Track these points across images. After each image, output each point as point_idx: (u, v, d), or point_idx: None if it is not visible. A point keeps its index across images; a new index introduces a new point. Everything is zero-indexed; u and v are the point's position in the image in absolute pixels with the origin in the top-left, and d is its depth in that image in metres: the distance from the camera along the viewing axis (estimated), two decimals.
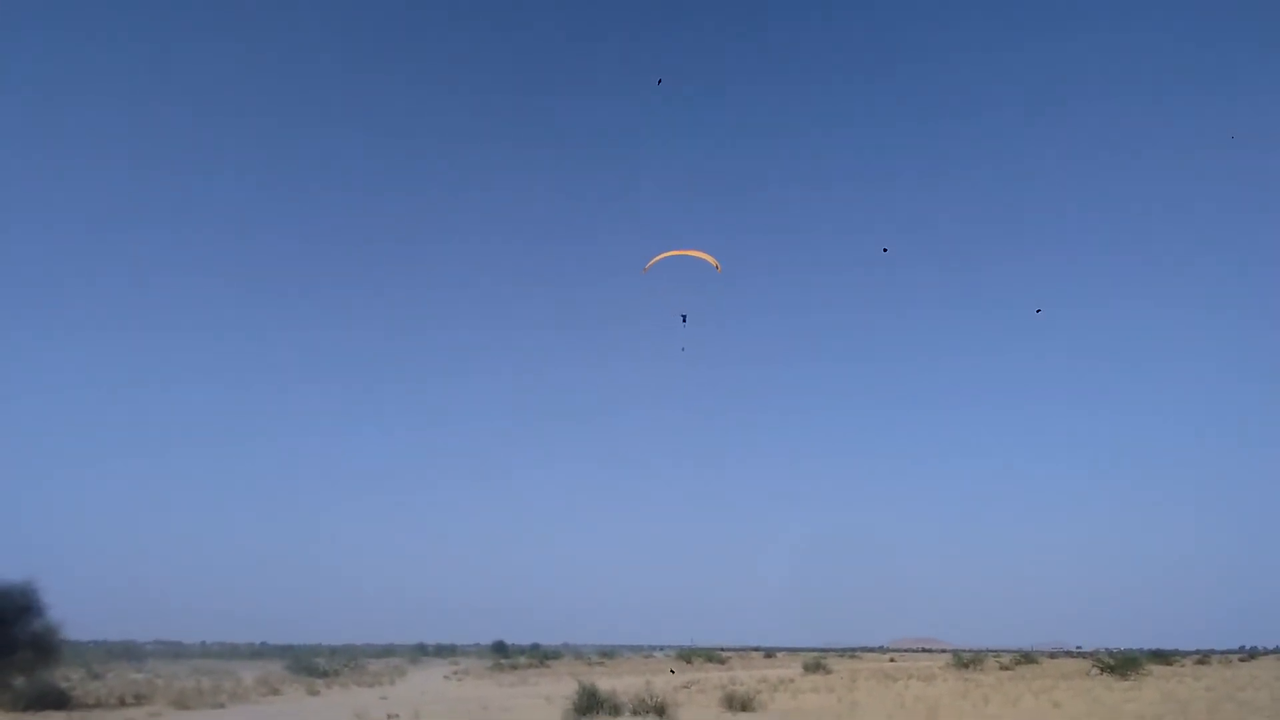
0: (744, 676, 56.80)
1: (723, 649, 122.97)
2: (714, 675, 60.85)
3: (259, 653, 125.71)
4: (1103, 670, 54.15)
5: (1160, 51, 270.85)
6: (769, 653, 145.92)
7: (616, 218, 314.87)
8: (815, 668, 66.22)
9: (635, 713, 26.66)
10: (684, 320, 34.30)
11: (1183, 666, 71.57)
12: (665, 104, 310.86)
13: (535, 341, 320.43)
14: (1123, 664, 54.15)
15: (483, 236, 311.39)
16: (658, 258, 35.07)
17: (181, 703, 33.89)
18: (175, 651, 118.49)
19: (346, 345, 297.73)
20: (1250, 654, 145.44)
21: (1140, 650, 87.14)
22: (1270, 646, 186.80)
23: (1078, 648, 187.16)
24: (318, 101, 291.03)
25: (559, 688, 41.62)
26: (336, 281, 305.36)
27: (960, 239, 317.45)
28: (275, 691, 42.99)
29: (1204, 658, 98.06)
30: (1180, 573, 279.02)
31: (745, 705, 29.69)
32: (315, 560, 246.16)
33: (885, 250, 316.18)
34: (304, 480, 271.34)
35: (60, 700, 32.12)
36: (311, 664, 61.79)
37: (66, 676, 41.19)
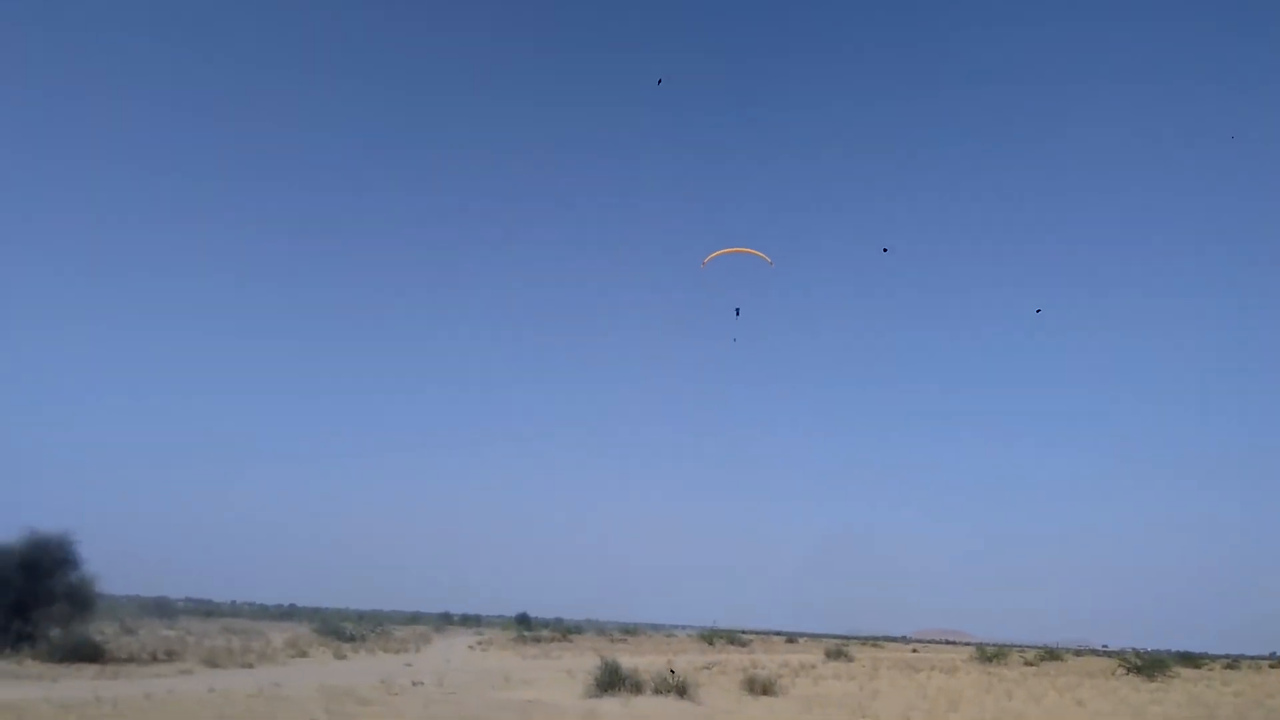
0: (765, 660, 56.85)
1: (745, 632, 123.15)
2: (735, 657, 60.96)
3: (288, 614, 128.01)
4: (1129, 670, 53.60)
5: (1160, 51, 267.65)
6: (791, 637, 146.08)
7: (654, 216, 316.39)
8: (837, 655, 66.10)
9: (657, 691, 26.74)
10: (737, 313, 34.83)
11: (1211, 670, 70.66)
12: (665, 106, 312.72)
13: (570, 321, 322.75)
14: (1149, 665, 53.55)
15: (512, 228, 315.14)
16: (715, 254, 35.67)
17: (211, 660, 34.48)
18: (207, 610, 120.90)
19: (387, 319, 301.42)
20: None
21: (1168, 652, 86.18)
22: None
23: (1104, 646, 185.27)
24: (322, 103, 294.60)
25: (581, 662, 41.91)
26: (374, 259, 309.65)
27: (989, 234, 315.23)
28: (303, 653, 43.66)
29: (1233, 662, 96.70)
30: (1212, 575, 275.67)
31: (766, 689, 29.66)
32: (346, 527, 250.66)
33: (885, 250, 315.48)
34: (340, 449, 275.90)
35: (94, 653, 32.75)
36: (339, 628, 62.71)
37: (100, 630, 42.06)
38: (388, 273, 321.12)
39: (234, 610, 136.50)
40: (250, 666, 34.34)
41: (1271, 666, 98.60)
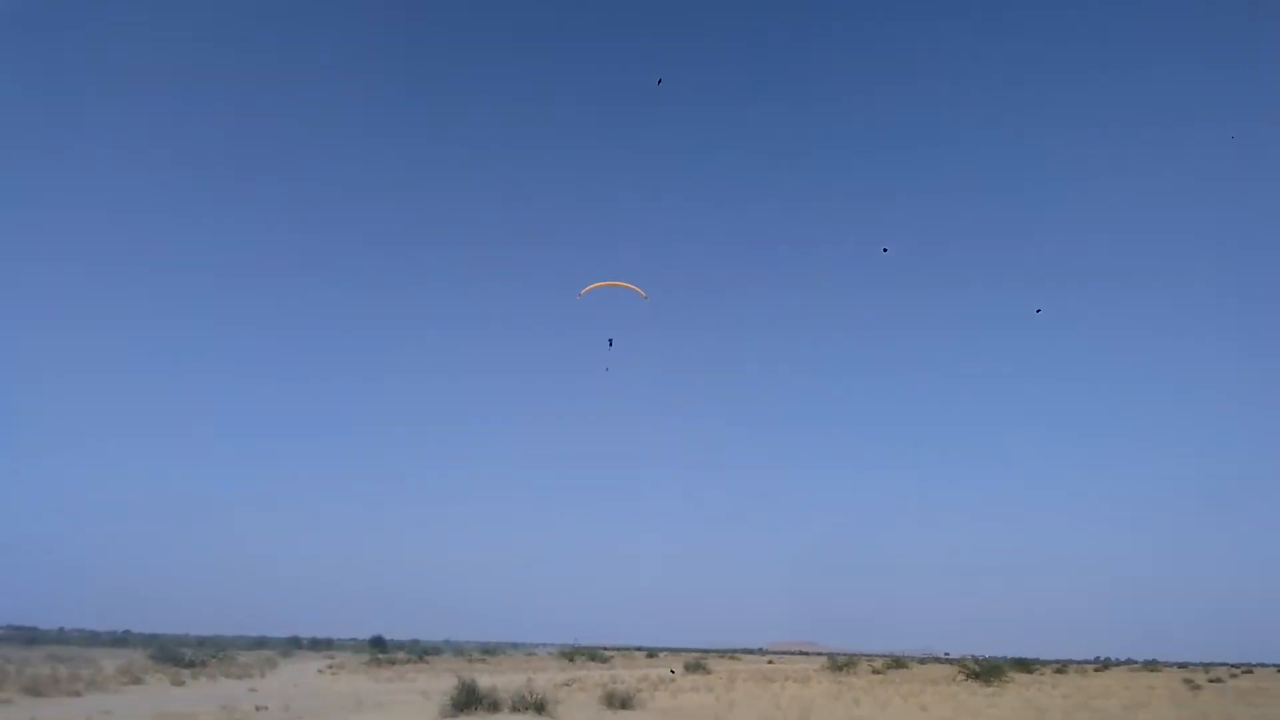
0: (625, 675, 57.03)
1: (606, 648, 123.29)
2: (596, 674, 60.93)
3: (121, 641, 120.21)
4: (968, 676, 56.31)
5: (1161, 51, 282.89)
6: (651, 652, 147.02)
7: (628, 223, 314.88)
8: (696, 668, 67.02)
9: (515, 709, 26.47)
10: (610, 344, 36.36)
11: (1042, 675, 75.03)
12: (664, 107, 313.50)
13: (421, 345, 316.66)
14: (987, 671, 56.39)
15: (490, 238, 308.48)
16: (590, 287, 36.67)
17: (34, 689, 32.07)
18: (29, 637, 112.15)
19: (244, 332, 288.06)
20: (1104, 664, 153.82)
21: (1004, 658, 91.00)
22: (1121, 658, 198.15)
23: (946, 654, 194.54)
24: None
25: (438, 684, 41.00)
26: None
27: (971, 244, 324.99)
28: (137, 680, 41.12)
29: (1062, 667, 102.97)
30: (1041, 584, 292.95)
31: (625, 703, 29.81)
32: (182, 547, 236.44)
33: (885, 250, 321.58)
34: (176, 465, 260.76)
35: None
36: (177, 654, 59.29)
37: None
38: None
39: (61, 637, 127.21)
40: (78, 695, 32.14)
41: (1096, 670, 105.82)
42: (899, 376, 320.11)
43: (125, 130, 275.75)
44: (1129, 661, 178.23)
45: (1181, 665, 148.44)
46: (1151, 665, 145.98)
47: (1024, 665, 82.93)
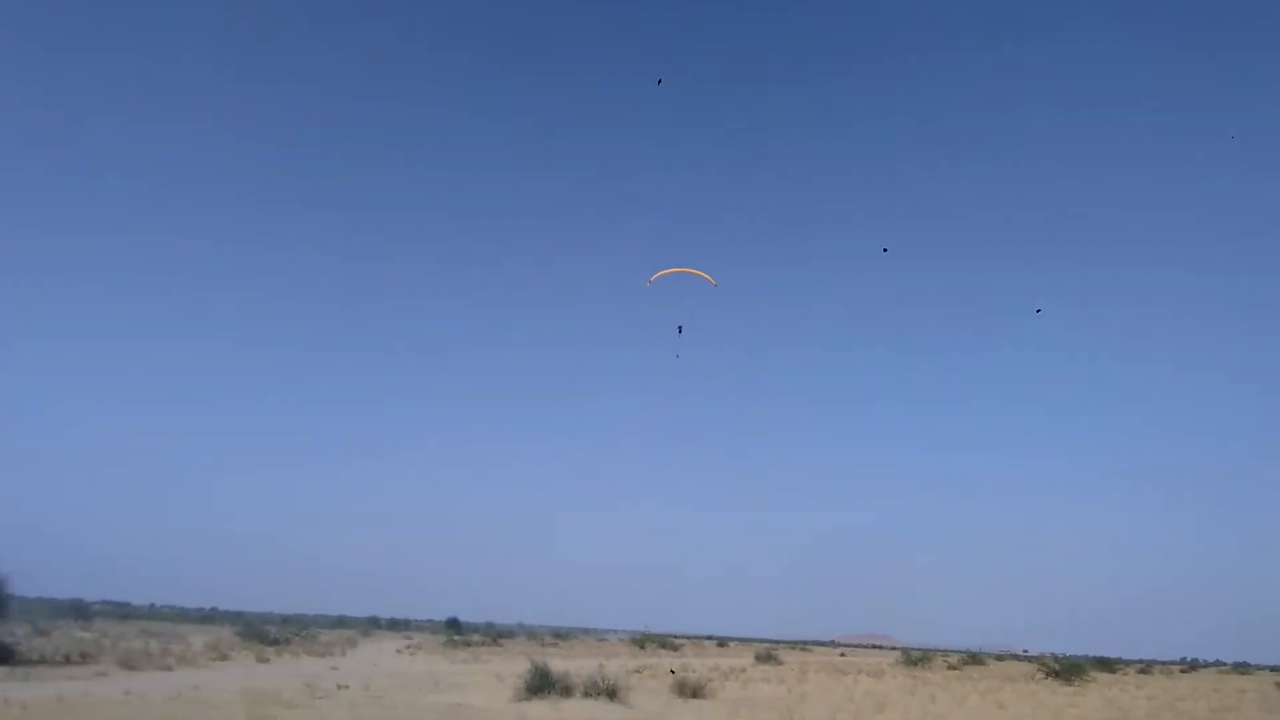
0: (696, 664, 57.12)
1: (676, 636, 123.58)
2: (667, 661, 61.14)
3: (209, 618, 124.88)
4: (1048, 674, 54.97)
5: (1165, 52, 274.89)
6: (722, 642, 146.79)
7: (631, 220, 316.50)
8: (767, 658, 66.74)
9: (587, 694, 26.69)
10: (680, 331, 35.96)
11: (1126, 675, 72.90)
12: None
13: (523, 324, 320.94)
14: (1067, 669, 54.99)
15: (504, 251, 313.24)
16: (660, 273, 36.44)
17: (128, 663, 33.48)
18: (123, 612, 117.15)
19: (307, 318, 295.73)
20: (1191, 666, 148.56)
21: (1085, 657, 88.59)
22: (1210, 660, 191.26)
23: (1025, 651, 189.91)
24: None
25: (511, 666, 41.62)
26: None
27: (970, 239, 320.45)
28: (224, 657, 42.63)
29: (1146, 667, 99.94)
30: (1129, 583, 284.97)
31: (696, 692, 29.83)
32: (270, 529, 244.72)
33: (885, 250, 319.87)
34: (266, 450, 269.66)
35: (4, 655, 31.62)
36: (262, 631, 61.32)
37: (11, 631, 40.52)
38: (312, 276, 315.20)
39: (152, 613, 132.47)
40: (169, 669, 33.44)
41: (1182, 671, 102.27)
42: (988, 361, 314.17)
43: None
44: (1218, 663, 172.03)
45: (1274, 668, 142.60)
46: (1242, 668, 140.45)
47: (1106, 664, 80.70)
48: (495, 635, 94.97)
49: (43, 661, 32.93)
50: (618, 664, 50.90)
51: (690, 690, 29.90)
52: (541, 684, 26.91)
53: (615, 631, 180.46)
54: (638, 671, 43.48)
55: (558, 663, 36.88)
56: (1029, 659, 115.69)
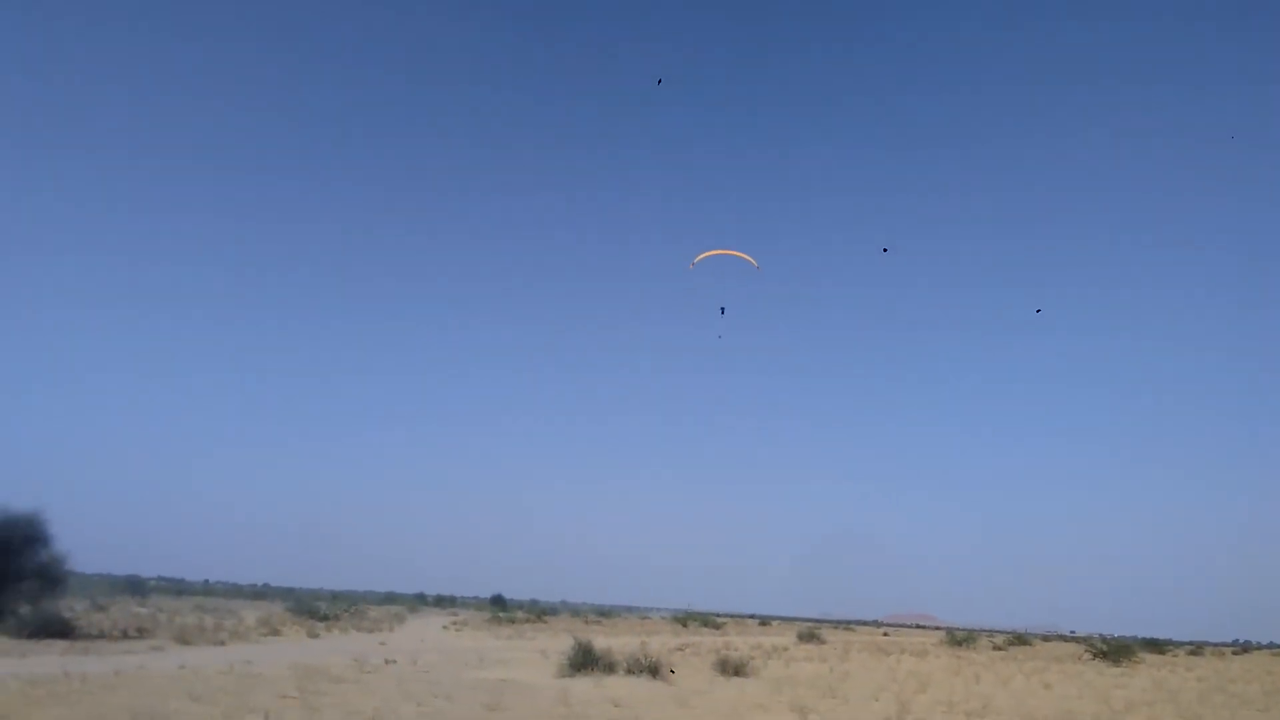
0: (738, 642, 57.21)
1: (719, 615, 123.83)
2: (709, 640, 61.32)
3: (261, 594, 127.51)
4: (1095, 655, 54.34)
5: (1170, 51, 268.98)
6: (764, 621, 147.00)
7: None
8: (809, 637, 66.67)
9: (629, 671, 26.84)
10: (723, 312, 35.51)
11: (1175, 657, 71.84)
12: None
13: (555, 306, 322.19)
14: (1115, 650, 54.31)
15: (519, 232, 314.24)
16: (702, 255, 36.09)
17: (183, 638, 34.29)
18: (178, 589, 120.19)
19: (363, 301, 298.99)
20: (1244, 648, 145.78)
21: (1134, 638, 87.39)
22: (1264, 641, 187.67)
23: (1071, 632, 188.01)
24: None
25: (555, 643, 41.99)
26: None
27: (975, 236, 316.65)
28: (275, 632, 43.50)
29: (1197, 649, 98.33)
30: (1178, 563, 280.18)
31: (738, 670, 29.87)
32: (321, 508, 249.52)
33: (885, 250, 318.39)
34: (315, 430, 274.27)
35: (64, 629, 32.55)
36: (312, 607, 62.56)
37: (70, 607, 41.77)
38: (372, 260, 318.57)
39: (206, 589, 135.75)
40: (222, 644, 34.18)
41: (1235, 653, 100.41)
42: (1033, 347, 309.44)
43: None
44: (1271, 645, 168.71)
45: None
46: None
47: (1155, 646, 79.63)
48: (539, 612, 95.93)
49: (101, 636, 33.82)
50: (660, 642, 51.16)
51: (732, 668, 29.94)
52: (585, 661, 27.13)
53: (658, 610, 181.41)
54: (680, 649, 43.65)
55: (600, 640, 37.17)
56: (1076, 640, 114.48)
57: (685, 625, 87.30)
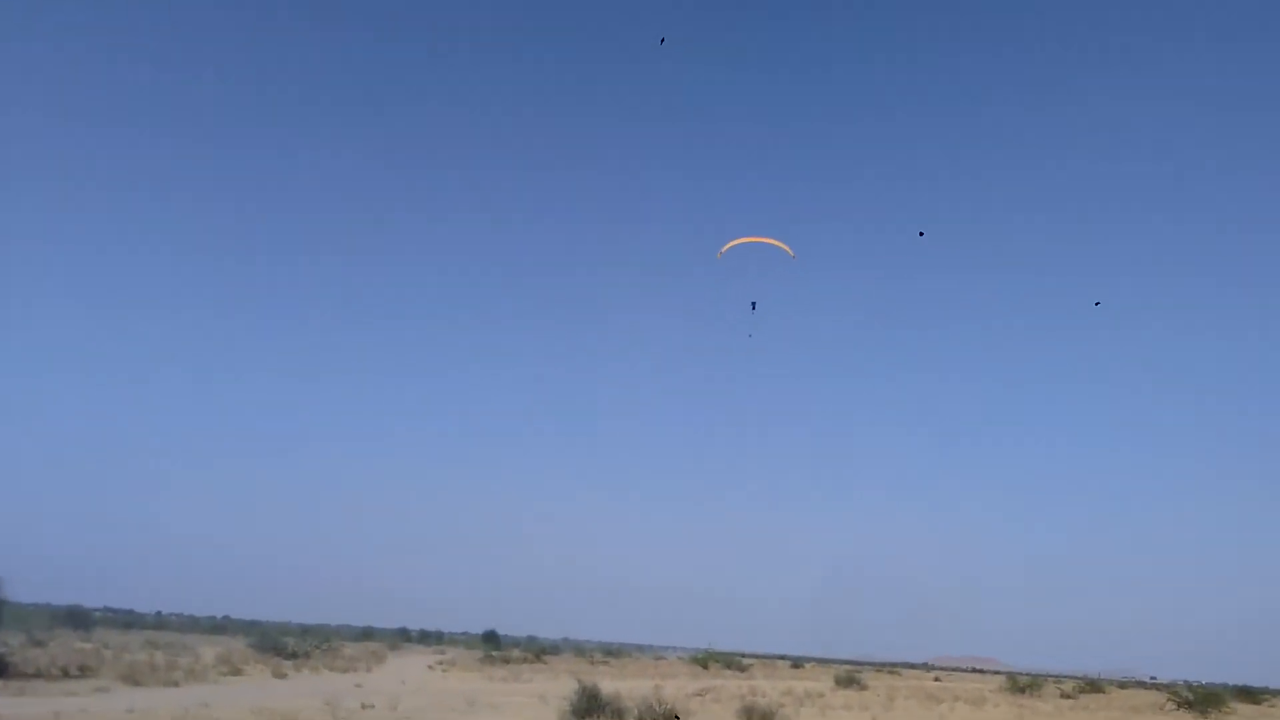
0: (766, 687, 57.01)
1: (744, 655, 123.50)
2: (732, 684, 61.13)
3: (220, 628, 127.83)
4: (1180, 705, 53.96)
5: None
6: (797, 662, 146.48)
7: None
8: (849, 682, 66.41)
9: (641, 719, 26.79)
10: (754, 307, 35.40)
11: (1273, 706, 71.27)
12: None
13: (552, 332, 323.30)
14: (1203, 699, 53.89)
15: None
16: (731, 243, 35.97)
17: (132, 677, 34.40)
18: (127, 621, 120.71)
19: (341, 310, 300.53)
20: None
21: (1224, 685, 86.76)
22: None
23: (1152, 678, 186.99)
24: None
25: (556, 686, 41.92)
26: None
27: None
28: (237, 671, 43.62)
29: None
30: (1275, 600, 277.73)
31: (766, 719, 29.79)
32: (288, 533, 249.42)
33: (921, 234, 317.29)
34: (283, 447, 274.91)
35: None
36: (279, 643, 62.51)
37: (4, 642, 41.88)
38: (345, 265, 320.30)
39: (159, 622, 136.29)
40: (176, 685, 34.30)
41: None
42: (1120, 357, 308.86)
43: None
44: None
45: None
46: None
47: (1249, 694, 78.95)
48: (538, 651, 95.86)
49: (38, 675, 33.90)
50: (676, 686, 51.05)
51: (760, 717, 29.86)
52: (590, 707, 27.08)
53: (674, 649, 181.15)
54: (699, 695, 43.54)
55: (608, 683, 37.07)
56: (1157, 686, 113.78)
57: (705, 667, 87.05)
